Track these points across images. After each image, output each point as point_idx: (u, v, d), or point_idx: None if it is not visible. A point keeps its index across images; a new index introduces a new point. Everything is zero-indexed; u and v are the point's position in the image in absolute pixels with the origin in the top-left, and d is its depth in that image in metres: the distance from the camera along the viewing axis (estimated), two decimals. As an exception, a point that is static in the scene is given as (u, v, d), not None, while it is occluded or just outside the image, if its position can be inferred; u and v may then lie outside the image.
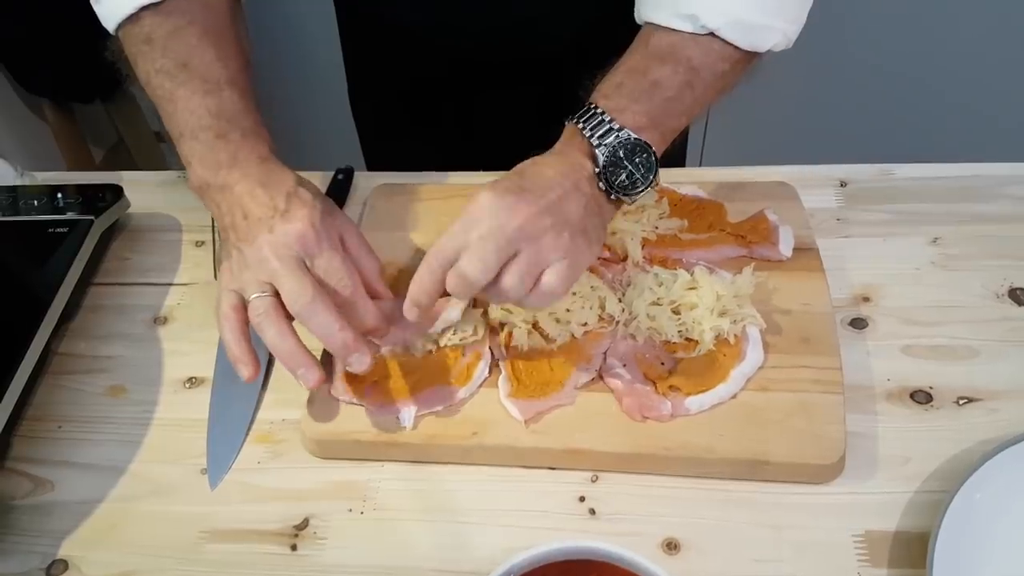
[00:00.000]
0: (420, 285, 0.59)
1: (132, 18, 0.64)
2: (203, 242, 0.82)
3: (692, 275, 0.67)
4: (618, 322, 0.67)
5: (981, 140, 1.30)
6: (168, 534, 0.61)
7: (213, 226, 0.83)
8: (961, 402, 0.64)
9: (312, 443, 0.64)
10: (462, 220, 0.57)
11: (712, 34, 0.60)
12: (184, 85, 0.63)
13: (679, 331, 0.65)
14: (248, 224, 0.59)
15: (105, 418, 0.68)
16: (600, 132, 0.59)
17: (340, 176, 0.85)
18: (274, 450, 0.65)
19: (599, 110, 0.60)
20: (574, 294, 0.67)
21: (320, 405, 0.64)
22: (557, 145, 0.62)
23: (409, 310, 0.60)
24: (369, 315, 0.61)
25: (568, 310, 0.66)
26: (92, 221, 0.77)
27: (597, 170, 0.59)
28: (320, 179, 0.85)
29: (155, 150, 1.87)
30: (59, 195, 0.79)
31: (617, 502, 0.60)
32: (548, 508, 0.60)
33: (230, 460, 0.65)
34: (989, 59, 1.50)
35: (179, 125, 0.63)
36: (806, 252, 0.72)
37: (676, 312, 0.66)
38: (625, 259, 0.71)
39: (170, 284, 0.79)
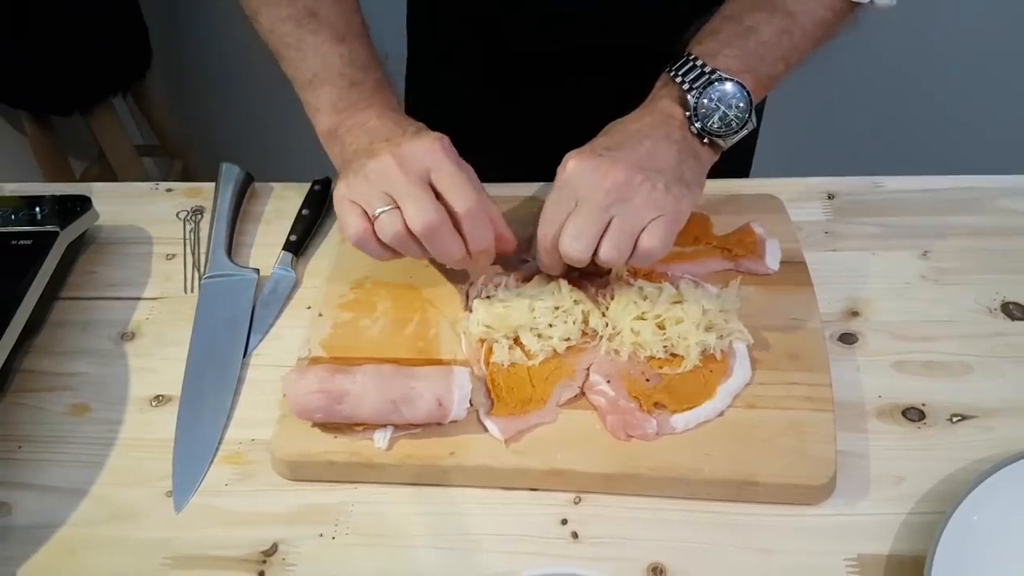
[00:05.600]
0: (547, 261, 0.63)
1: None
2: (174, 255, 0.80)
3: (677, 289, 0.66)
4: (601, 337, 0.65)
5: (971, 152, 1.30)
6: (130, 561, 0.58)
7: (185, 239, 0.81)
8: (955, 420, 0.62)
9: (282, 464, 0.62)
10: (553, 194, 0.59)
11: None
12: (314, 33, 0.65)
13: (664, 346, 0.64)
14: (374, 145, 0.60)
15: (67, 438, 0.66)
16: (692, 76, 0.60)
17: (317, 187, 0.83)
18: (243, 471, 0.63)
19: (692, 56, 0.61)
20: (556, 308, 0.65)
21: (291, 425, 0.62)
22: (648, 98, 0.63)
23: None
24: (498, 223, 0.62)
25: (551, 325, 0.65)
26: (57, 233, 0.74)
27: (688, 113, 0.60)
28: (296, 190, 0.83)
29: (136, 164, 1.85)
30: (24, 206, 0.76)
31: (600, 525, 0.58)
32: (529, 532, 0.58)
33: (196, 482, 0.62)
34: (979, 69, 1.50)
35: (307, 71, 0.64)
36: (794, 266, 0.71)
37: (661, 327, 0.64)
38: (609, 272, 0.69)
39: (138, 298, 0.76)
